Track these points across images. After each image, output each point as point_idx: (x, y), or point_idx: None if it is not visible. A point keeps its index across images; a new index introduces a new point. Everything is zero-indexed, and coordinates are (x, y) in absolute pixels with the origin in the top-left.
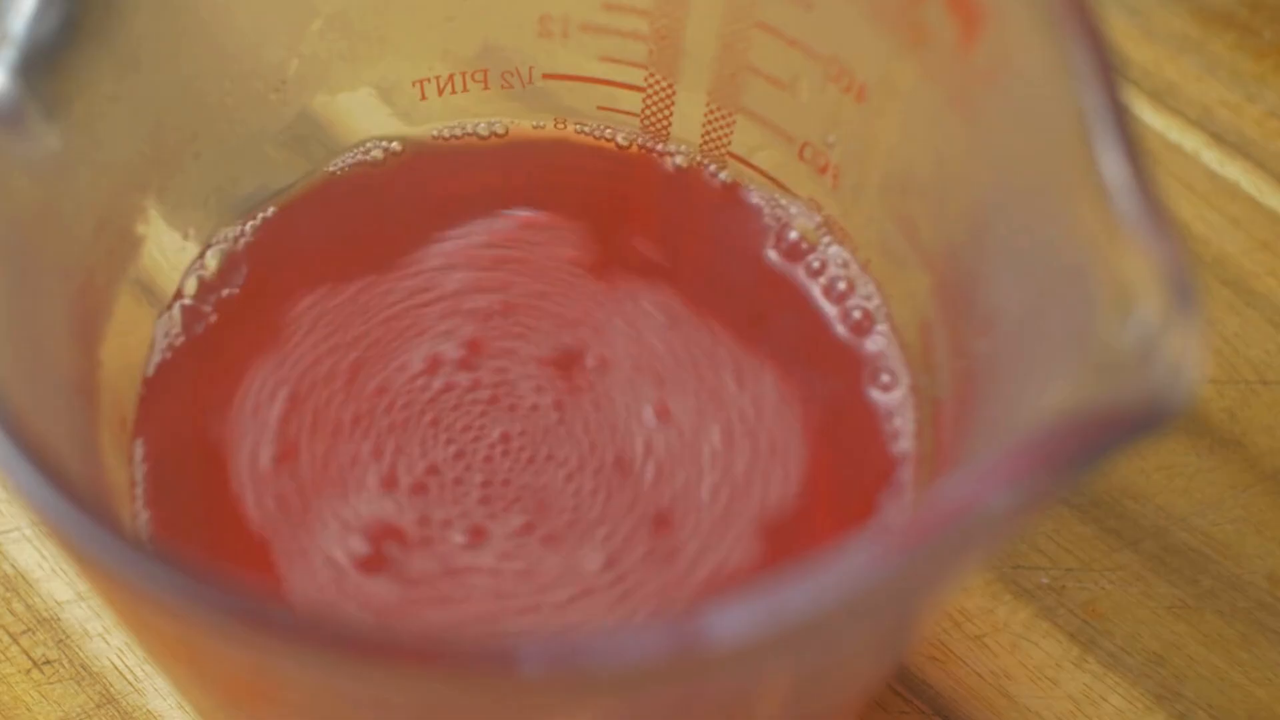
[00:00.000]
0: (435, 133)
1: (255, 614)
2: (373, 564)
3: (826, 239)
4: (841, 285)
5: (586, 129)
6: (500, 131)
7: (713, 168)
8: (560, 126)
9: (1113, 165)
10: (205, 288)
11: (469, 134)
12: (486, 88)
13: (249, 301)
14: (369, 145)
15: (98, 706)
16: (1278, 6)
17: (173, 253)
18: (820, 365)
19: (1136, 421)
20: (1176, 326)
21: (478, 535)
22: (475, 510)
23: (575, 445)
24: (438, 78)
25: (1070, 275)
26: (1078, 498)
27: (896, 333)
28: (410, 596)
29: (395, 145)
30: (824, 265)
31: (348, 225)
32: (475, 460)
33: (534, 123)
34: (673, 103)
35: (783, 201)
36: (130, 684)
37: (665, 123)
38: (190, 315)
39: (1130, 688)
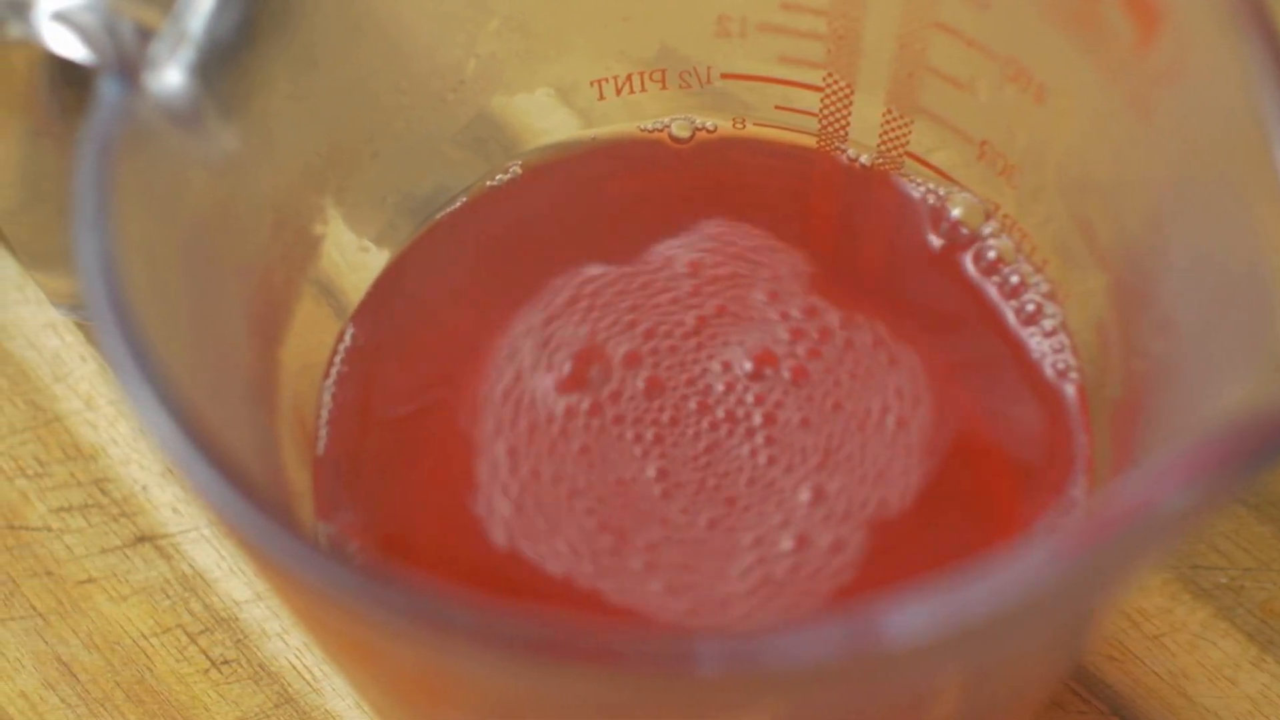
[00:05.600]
0: (616, 131)
1: (433, 615)
2: (572, 568)
3: (1003, 238)
4: (1017, 285)
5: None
6: (681, 133)
7: (892, 167)
8: (739, 126)
9: None
10: (387, 288)
11: (652, 131)
12: (665, 87)
13: (432, 303)
14: (548, 145)
15: (276, 706)
16: None
17: (352, 253)
18: (997, 361)
19: None
20: None
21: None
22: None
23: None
24: (615, 78)
25: (1249, 275)
26: (1256, 497)
27: (1071, 333)
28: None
29: (575, 145)
30: (999, 264)
31: (531, 225)
32: (684, 461)
33: (712, 122)
34: (851, 102)
35: (959, 200)
36: (308, 684)
37: (844, 122)
38: (372, 315)
39: None
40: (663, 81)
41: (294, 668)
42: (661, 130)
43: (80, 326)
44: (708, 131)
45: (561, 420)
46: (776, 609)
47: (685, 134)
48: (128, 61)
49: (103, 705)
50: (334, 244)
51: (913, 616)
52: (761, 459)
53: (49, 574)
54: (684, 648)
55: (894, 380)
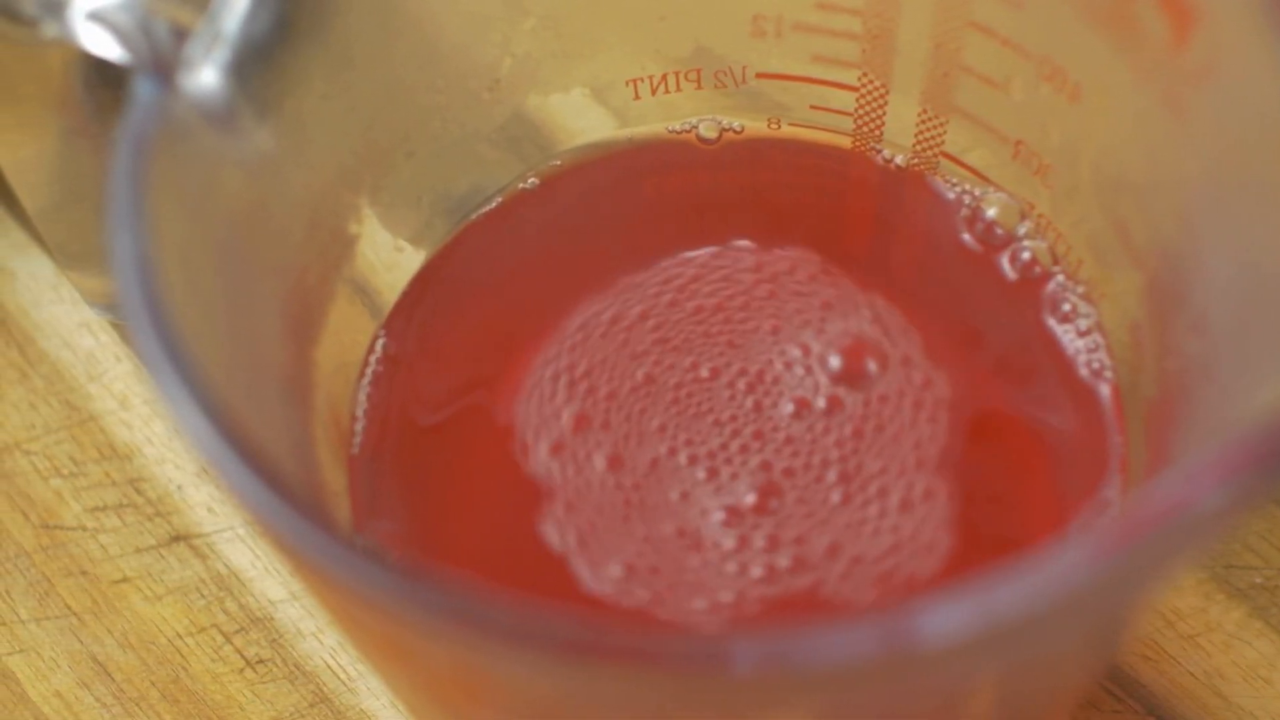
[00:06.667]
0: (651, 132)
1: (469, 614)
2: (615, 571)
3: (1038, 239)
4: (1051, 285)
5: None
6: (710, 134)
7: (927, 167)
8: (774, 126)
9: None
10: (422, 288)
11: (680, 133)
12: (700, 87)
13: (468, 303)
14: (584, 145)
15: (310, 706)
16: None
17: (386, 252)
18: (1032, 361)
19: None
20: None
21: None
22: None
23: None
24: (650, 77)
25: None
26: None
27: (1106, 332)
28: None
29: (610, 145)
30: (1034, 264)
31: (566, 226)
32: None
33: (739, 123)
34: (886, 102)
35: (994, 200)
36: (343, 683)
37: (879, 122)
38: (407, 315)
39: None
40: (698, 81)
41: (329, 667)
42: (689, 131)
43: (115, 326)
44: (735, 132)
45: (608, 427)
46: (810, 610)
47: (713, 135)
48: (163, 61)
49: (138, 705)
50: (369, 244)
51: (947, 616)
52: (794, 457)
53: (84, 573)
54: (719, 647)
55: (928, 381)
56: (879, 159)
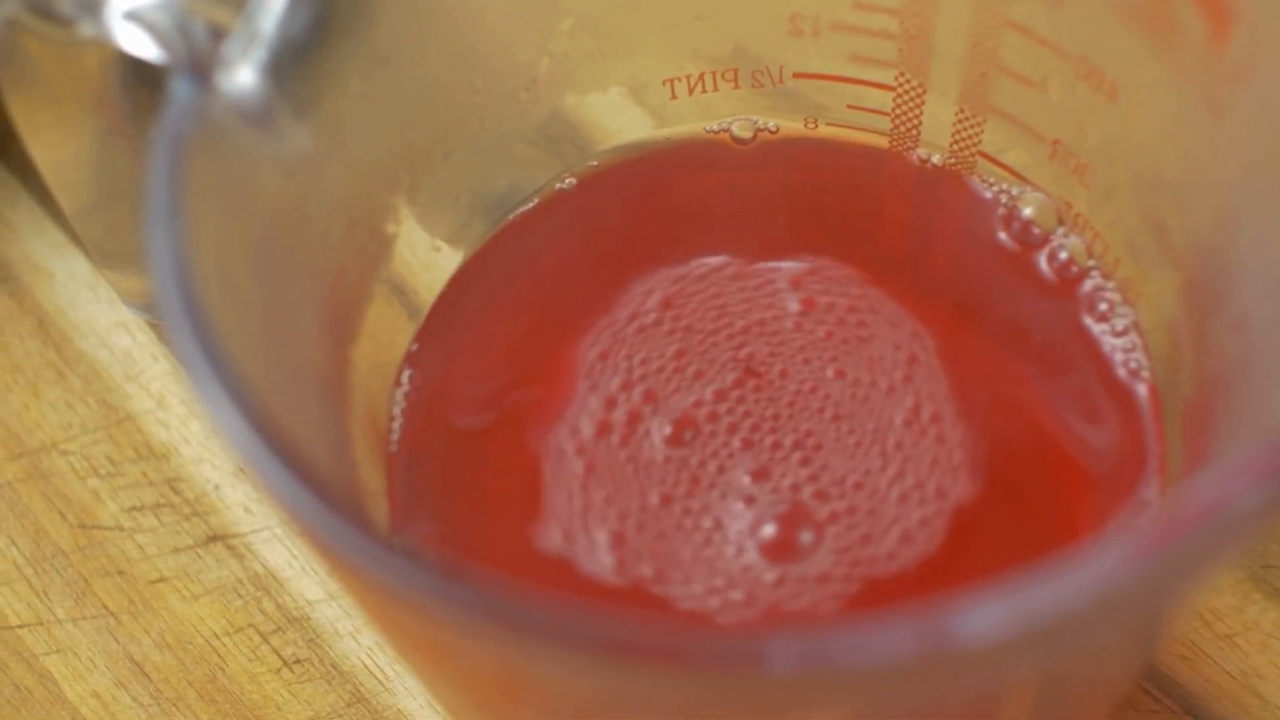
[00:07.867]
0: (688, 131)
1: (506, 613)
2: (634, 571)
3: (1075, 238)
4: (1089, 284)
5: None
6: (746, 134)
7: (964, 167)
8: (811, 126)
9: None
10: (460, 288)
11: (717, 132)
12: (737, 87)
13: (505, 303)
14: (621, 145)
15: (348, 706)
16: None
17: (424, 252)
18: (1069, 361)
19: None
20: None
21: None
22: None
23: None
24: (688, 77)
25: None
26: None
27: (1143, 332)
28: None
29: (647, 145)
30: (1071, 264)
31: (604, 225)
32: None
33: (774, 123)
34: (923, 101)
35: (1031, 200)
36: (380, 683)
37: (916, 121)
38: (445, 315)
39: None
40: (735, 81)
41: (366, 667)
42: (726, 131)
43: (152, 326)
44: (771, 132)
45: (648, 438)
46: (847, 608)
47: (749, 135)
48: (200, 61)
49: (175, 705)
50: (406, 244)
51: (986, 616)
52: (830, 457)
53: (121, 573)
54: (756, 647)
55: (965, 382)
56: (916, 159)
